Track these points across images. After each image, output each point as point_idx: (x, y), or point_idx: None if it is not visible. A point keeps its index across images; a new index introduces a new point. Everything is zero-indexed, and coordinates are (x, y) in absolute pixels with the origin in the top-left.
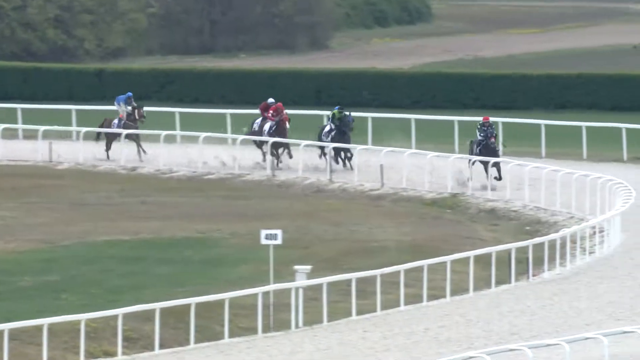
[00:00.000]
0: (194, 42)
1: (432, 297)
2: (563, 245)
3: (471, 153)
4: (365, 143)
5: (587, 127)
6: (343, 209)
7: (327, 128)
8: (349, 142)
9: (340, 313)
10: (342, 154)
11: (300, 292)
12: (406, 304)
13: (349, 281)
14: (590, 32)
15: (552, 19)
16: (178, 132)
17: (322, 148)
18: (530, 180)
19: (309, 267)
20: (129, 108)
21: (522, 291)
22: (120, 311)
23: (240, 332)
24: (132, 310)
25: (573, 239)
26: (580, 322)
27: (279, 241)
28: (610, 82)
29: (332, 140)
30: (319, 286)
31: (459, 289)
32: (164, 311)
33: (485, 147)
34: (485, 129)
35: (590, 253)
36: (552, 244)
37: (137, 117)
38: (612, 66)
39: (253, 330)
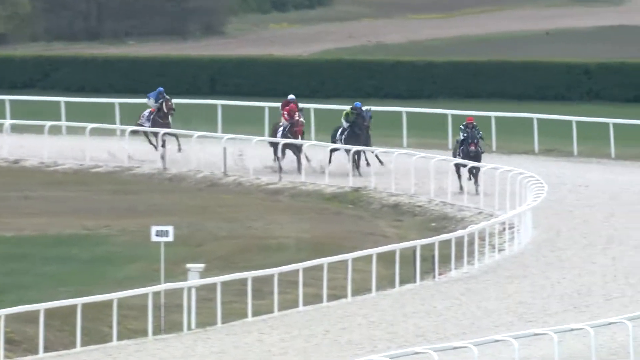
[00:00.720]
0: (81, 27)
1: (332, 297)
2: (471, 243)
3: (454, 155)
4: (263, 134)
5: (496, 117)
6: (238, 204)
7: (342, 128)
8: (363, 144)
9: (235, 314)
10: (358, 156)
11: (193, 292)
12: (305, 304)
13: (244, 280)
14: (499, 17)
15: (458, 3)
16: (63, 123)
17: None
18: (436, 173)
19: (202, 265)
20: (159, 103)
21: (427, 291)
22: (2, 312)
23: (130, 334)
24: (14, 311)
25: (481, 235)
26: (489, 323)
27: (170, 238)
28: (521, 69)
29: (345, 143)
30: (213, 286)
31: (361, 288)
32: (49, 312)
33: (464, 153)
34: (469, 130)
35: (499, 250)
36: (459, 241)
37: (165, 110)
38: (523, 53)
39: (143, 333)
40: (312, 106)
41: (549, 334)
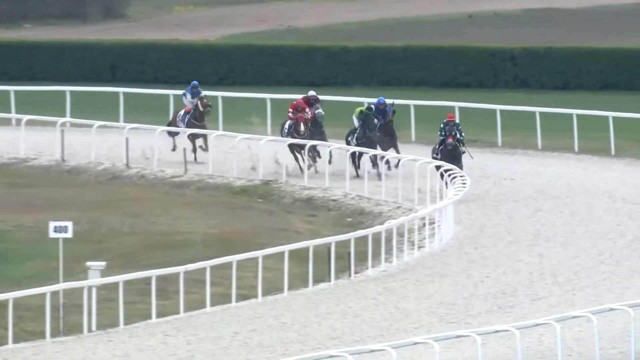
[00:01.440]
0: None
1: (241, 298)
2: (389, 239)
3: (433, 155)
4: (166, 123)
5: (416, 106)
6: (142, 198)
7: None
8: (374, 147)
9: (138, 315)
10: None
11: (94, 291)
12: (213, 304)
13: (148, 279)
14: None
15: None
16: None
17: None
18: (352, 167)
19: (103, 263)
20: (194, 100)
21: (343, 290)
22: None
23: (26, 336)
24: None
25: (400, 231)
26: (408, 325)
27: (69, 234)
28: (442, 55)
29: (357, 145)
30: (115, 285)
31: (272, 288)
32: None
33: (443, 153)
34: (447, 128)
35: (419, 247)
36: (376, 237)
37: (202, 109)
38: (444, 38)
39: (41, 335)
40: (219, 94)
41: (472, 336)
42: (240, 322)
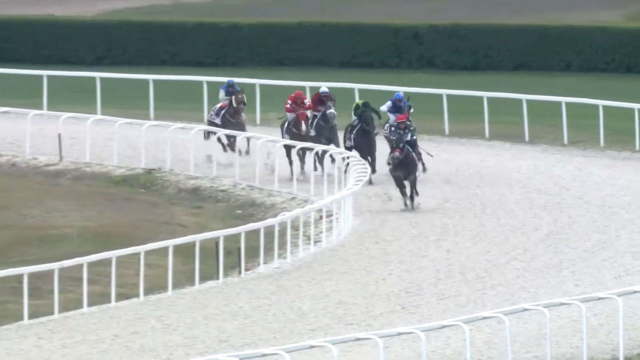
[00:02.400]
0: None
1: (122, 297)
2: (283, 233)
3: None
4: (39, 107)
5: (312, 88)
6: (12, 188)
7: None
8: (372, 148)
9: (9, 316)
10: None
11: None
12: (90, 304)
13: (19, 277)
14: None
15: None
16: None
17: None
18: (242, 152)
19: None
20: (228, 98)
21: (232, 289)
22: None
23: None
24: None
25: (295, 224)
26: (303, 326)
27: None
28: (341, 33)
29: (355, 143)
30: None
31: (156, 286)
32: None
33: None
34: (400, 131)
35: (315, 242)
36: (269, 231)
37: (235, 105)
38: (343, 14)
39: None
40: (97, 74)
41: (373, 339)
42: (121, 323)
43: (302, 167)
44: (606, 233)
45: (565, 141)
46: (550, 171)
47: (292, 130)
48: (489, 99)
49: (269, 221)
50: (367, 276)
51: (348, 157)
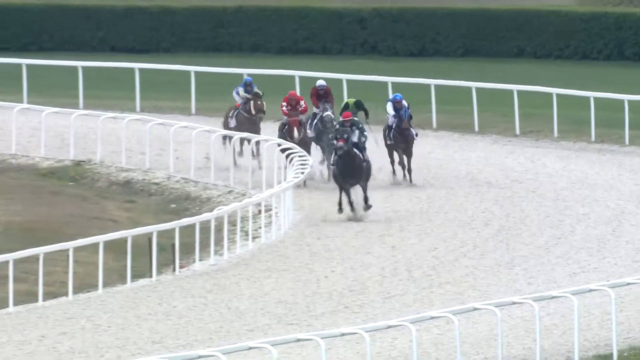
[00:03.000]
0: None
1: (50, 296)
2: (219, 228)
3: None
4: None
5: (252, 76)
6: None
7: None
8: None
9: None
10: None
11: None
12: (16, 304)
13: None
14: None
15: None
16: None
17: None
18: (176, 143)
19: None
20: (245, 97)
21: (166, 287)
22: None
23: None
24: None
25: (232, 219)
26: (241, 327)
27: None
28: (280, 17)
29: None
30: None
31: (85, 284)
32: None
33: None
34: (345, 129)
35: (254, 238)
36: (205, 226)
37: (253, 111)
38: None
39: None
40: (23, 61)
41: (315, 340)
42: (48, 323)
43: (240, 155)
44: (560, 228)
45: (518, 131)
46: (502, 163)
47: (286, 139)
48: (436, 86)
49: (205, 216)
50: (308, 274)
51: (288, 149)
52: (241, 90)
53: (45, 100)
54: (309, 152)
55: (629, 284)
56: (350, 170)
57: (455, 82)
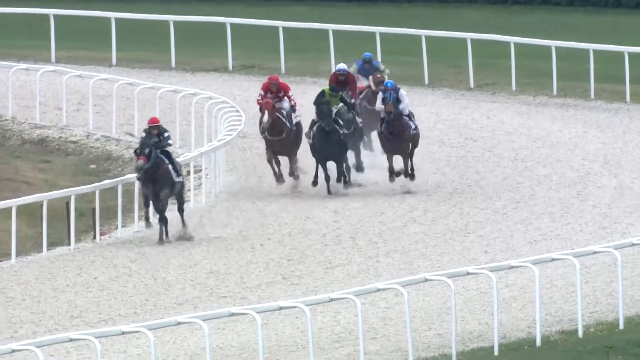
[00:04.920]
0: None
1: None
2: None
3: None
4: None
5: (175, 22)
6: None
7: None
8: (340, 154)
9: None
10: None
11: None
12: None
13: None
14: None
15: None
16: None
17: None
18: (95, 98)
19: None
20: (370, 79)
21: (86, 256)
22: None
23: None
24: None
25: None
26: (169, 300)
27: None
28: None
29: (317, 153)
30: None
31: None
32: None
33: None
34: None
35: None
36: (128, 189)
37: (373, 87)
38: None
39: None
40: None
41: (250, 314)
42: None
43: None
44: (519, 191)
45: (472, 84)
46: (455, 119)
47: (267, 137)
48: (382, 35)
49: (128, 177)
50: (242, 242)
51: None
52: (354, 68)
53: None
54: (297, 147)
55: (595, 252)
56: (153, 183)
57: (403, 30)
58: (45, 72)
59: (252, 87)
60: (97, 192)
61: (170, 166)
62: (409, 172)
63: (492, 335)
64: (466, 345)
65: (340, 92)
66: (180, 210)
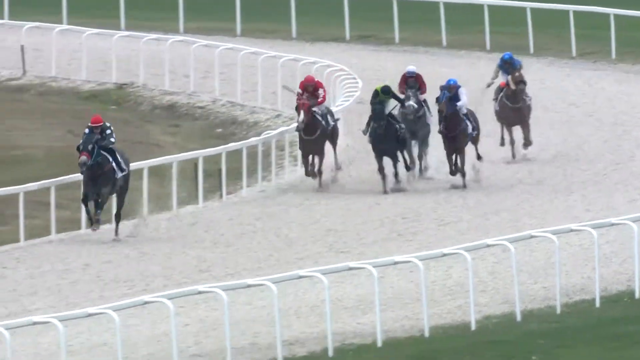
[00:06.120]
0: None
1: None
2: (267, 153)
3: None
4: (0, 16)
5: None
6: None
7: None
8: (394, 150)
9: None
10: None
11: None
12: (59, 231)
13: None
14: None
15: None
16: None
17: None
18: (221, 66)
19: None
20: (509, 78)
21: (213, 214)
22: None
23: None
24: None
25: (280, 144)
26: (291, 255)
27: None
28: None
29: (374, 149)
30: None
31: (129, 211)
32: None
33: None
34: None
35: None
36: (252, 151)
37: (512, 85)
38: None
39: None
40: None
41: (367, 269)
42: (92, 252)
43: None
44: (619, 154)
45: (574, 53)
46: (558, 86)
47: (301, 136)
48: (489, 6)
49: (252, 140)
50: (359, 200)
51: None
52: (496, 68)
53: (86, 20)
54: (323, 145)
55: None
56: (94, 184)
57: (509, 2)
58: (174, 42)
59: (368, 57)
60: (224, 154)
61: (114, 164)
62: (462, 170)
63: (593, 288)
64: (569, 298)
65: (392, 92)
66: (118, 215)
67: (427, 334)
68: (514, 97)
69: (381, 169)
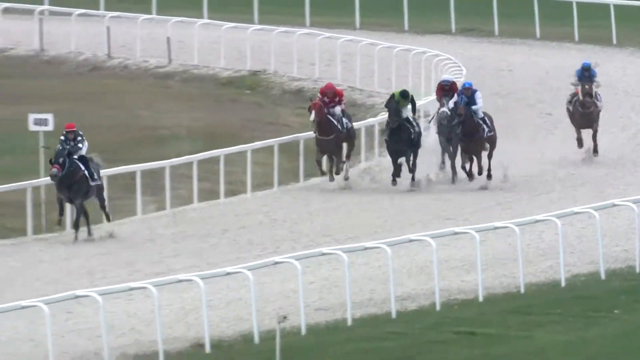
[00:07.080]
0: None
1: (230, 193)
2: (383, 132)
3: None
4: (149, 12)
5: None
6: (125, 90)
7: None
8: (408, 151)
9: (123, 211)
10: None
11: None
12: (200, 200)
13: (132, 174)
14: None
15: None
16: None
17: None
18: (342, 55)
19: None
20: (579, 89)
21: (334, 185)
22: None
23: (8, 233)
24: None
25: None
26: (402, 221)
27: (50, 127)
28: None
29: (388, 149)
30: None
31: (262, 183)
32: None
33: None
34: (70, 142)
35: None
36: (369, 130)
37: (581, 96)
38: None
39: (22, 232)
40: None
41: (470, 233)
42: (229, 218)
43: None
44: None
45: None
46: (638, 74)
47: (317, 136)
48: (577, 3)
49: (370, 121)
50: (461, 173)
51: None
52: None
53: (223, 15)
54: (339, 146)
55: None
56: (69, 190)
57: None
58: (301, 35)
59: (471, 48)
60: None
61: (86, 172)
62: (488, 172)
63: None
64: None
65: (411, 96)
66: (103, 207)
67: (522, 290)
68: (583, 104)
69: (396, 171)
